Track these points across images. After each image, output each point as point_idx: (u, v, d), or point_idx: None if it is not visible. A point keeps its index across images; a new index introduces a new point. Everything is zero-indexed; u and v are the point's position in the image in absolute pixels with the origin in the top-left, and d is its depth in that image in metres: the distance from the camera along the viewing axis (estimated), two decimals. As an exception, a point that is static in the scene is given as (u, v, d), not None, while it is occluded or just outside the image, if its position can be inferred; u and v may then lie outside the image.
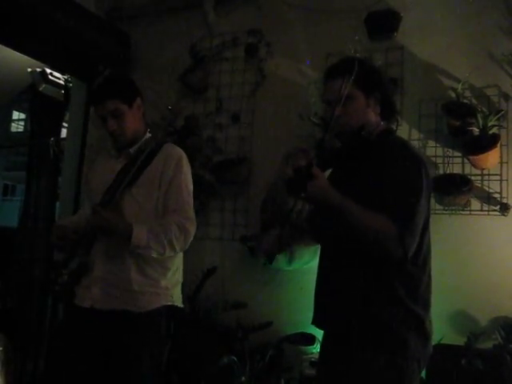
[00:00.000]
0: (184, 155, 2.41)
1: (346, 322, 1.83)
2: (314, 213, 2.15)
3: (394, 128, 2.14)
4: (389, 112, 2.01)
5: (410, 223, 1.73)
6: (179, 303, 2.42)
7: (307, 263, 3.30)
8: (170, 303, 2.33)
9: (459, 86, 3.20)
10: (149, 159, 2.28)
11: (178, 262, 2.42)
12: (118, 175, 2.28)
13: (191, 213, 2.34)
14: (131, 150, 2.35)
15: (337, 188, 1.77)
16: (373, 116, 1.95)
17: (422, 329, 1.82)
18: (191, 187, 2.40)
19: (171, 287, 2.35)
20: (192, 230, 2.29)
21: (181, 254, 2.43)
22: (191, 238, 2.30)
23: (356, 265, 1.83)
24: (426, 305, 1.85)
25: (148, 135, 2.43)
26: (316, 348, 3.25)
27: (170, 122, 4.08)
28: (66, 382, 2.28)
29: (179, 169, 2.34)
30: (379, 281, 1.80)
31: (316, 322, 1.99)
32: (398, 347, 1.77)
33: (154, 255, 2.22)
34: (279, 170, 1.72)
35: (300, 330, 3.36)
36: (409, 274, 1.81)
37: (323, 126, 1.89)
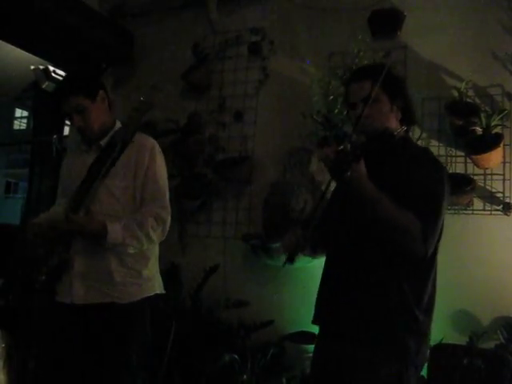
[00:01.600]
0: (156, 144, 2.42)
1: (352, 322, 1.84)
2: (327, 214, 2.15)
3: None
4: (409, 120, 2.04)
5: (434, 223, 1.76)
6: (161, 290, 2.44)
7: (310, 262, 3.30)
8: (152, 293, 2.36)
9: (462, 86, 3.20)
10: (121, 150, 2.28)
11: (156, 251, 2.45)
12: (91, 168, 2.28)
13: (167, 201, 2.36)
14: (102, 143, 2.35)
15: None
16: (394, 121, 1.98)
17: (423, 336, 1.84)
18: (165, 176, 2.42)
19: (152, 277, 2.38)
20: (168, 218, 2.33)
21: (157, 244, 2.44)
22: (168, 226, 2.33)
23: (367, 267, 1.84)
24: (430, 311, 1.86)
25: (118, 126, 2.42)
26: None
27: (171, 120, 4.09)
28: (54, 380, 2.29)
29: (153, 158, 2.35)
30: (389, 283, 1.81)
31: (319, 320, 2.00)
32: (400, 352, 1.78)
33: (131, 250, 2.25)
34: (319, 152, 1.76)
35: (301, 329, 3.35)
36: (418, 278, 1.83)
37: (347, 124, 1.92)
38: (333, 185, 1.99)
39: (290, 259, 1.94)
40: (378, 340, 1.79)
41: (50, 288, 2.33)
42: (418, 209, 1.73)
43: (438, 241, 1.83)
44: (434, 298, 1.89)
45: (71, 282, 2.28)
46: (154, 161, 2.35)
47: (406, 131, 2.04)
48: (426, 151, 2.01)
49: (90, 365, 2.24)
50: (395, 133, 1.92)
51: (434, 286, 1.89)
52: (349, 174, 1.68)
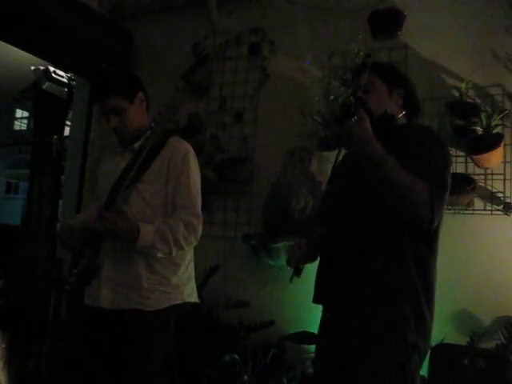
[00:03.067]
0: (191, 149, 2.37)
1: (354, 302, 1.85)
2: (329, 193, 2.17)
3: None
4: (412, 108, 2.08)
5: (441, 192, 1.75)
6: (193, 298, 2.38)
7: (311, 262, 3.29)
8: (180, 301, 2.29)
9: (463, 85, 3.19)
10: (153, 154, 2.25)
11: (189, 257, 2.39)
12: (123, 172, 2.24)
13: (199, 209, 2.30)
14: (135, 146, 2.32)
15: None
16: (394, 107, 2.01)
17: (424, 319, 1.83)
18: (199, 182, 2.37)
19: (182, 285, 2.32)
20: (200, 226, 2.27)
21: (192, 249, 2.40)
22: (199, 234, 2.28)
23: (370, 242, 1.84)
24: (432, 293, 1.87)
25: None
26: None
27: (171, 120, 4.08)
28: (75, 382, 2.28)
29: (187, 163, 2.30)
30: (393, 261, 1.82)
31: (320, 299, 2.00)
32: (403, 332, 1.78)
33: (160, 255, 2.19)
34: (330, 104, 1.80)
35: (302, 329, 3.35)
36: (423, 258, 1.84)
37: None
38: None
39: (297, 273, 1.94)
40: (381, 319, 1.80)
41: (79, 290, 2.30)
42: (427, 177, 1.73)
43: (440, 221, 1.82)
44: (434, 284, 1.89)
45: (99, 285, 2.25)
46: (187, 166, 2.30)
47: (409, 116, 2.06)
48: (430, 128, 2.04)
49: (110, 369, 2.21)
50: (397, 116, 1.96)
51: (434, 274, 1.89)
52: (355, 118, 1.66)
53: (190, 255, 2.40)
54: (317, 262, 2.08)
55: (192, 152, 2.37)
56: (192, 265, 2.42)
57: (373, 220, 1.84)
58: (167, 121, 2.20)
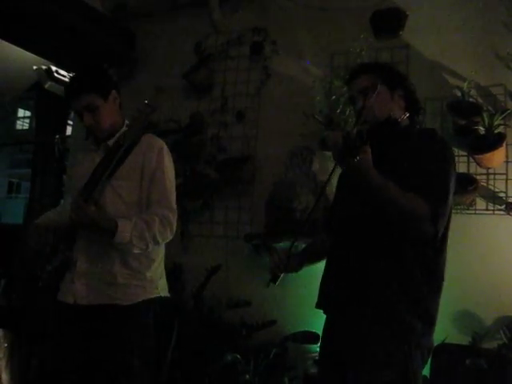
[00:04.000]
0: (165, 146, 2.38)
1: (357, 302, 1.85)
2: (335, 203, 2.20)
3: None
4: (413, 107, 2.07)
5: (443, 203, 1.78)
6: (165, 293, 2.40)
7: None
8: (155, 295, 2.32)
9: (465, 85, 3.19)
10: (127, 151, 2.24)
11: (162, 253, 2.41)
12: (97, 168, 2.23)
13: (174, 204, 2.32)
14: (109, 143, 2.32)
15: None
16: (397, 110, 2.01)
17: (429, 318, 1.85)
18: (173, 178, 2.38)
19: (156, 279, 2.34)
20: (175, 221, 2.28)
21: (163, 246, 2.41)
22: (175, 229, 2.29)
23: (374, 249, 1.85)
24: (437, 294, 1.88)
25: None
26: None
27: (173, 120, 4.10)
28: (55, 379, 2.28)
29: (161, 159, 2.32)
30: (399, 265, 1.83)
31: (324, 303, 2.01)
32: (405, 332, 1.80)
33: (136, 251, 2.20)
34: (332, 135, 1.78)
35: (304, 329, 3.36)
36: (429, 260, 1.85)
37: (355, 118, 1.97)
38: (334, 178, 2.01)
39: (274, 279, 2.08)
40: (383, 319, 1.81)
41: (53, 286, 2.31)
42: (426, 190, 1.75)
43: (448, 221, 1.85)
44: (441, 284, 1.90)
45: (74, 281, 2.26)
46: (161, 162, 2.32)
47: (411, 118, 2.05)
48: (433, 132, 2.03)
49: (90, 365, 2.22)
50: (399, 119, 1.95)
51: (442, 272, 1.90)
52: (357, 158, 1.69)
53: (162, 251, 2.42)
54: (321, 267, 2.09)
55: (166, 148, 2.38)
56: (163, 262, 2.44)
57: (377, 229, 1.85)
58: (146, 119, 2.19)
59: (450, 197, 1.82)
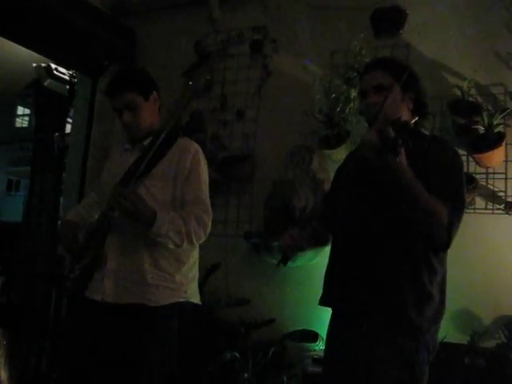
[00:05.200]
0: (200, 149, 2.36)
1: (364, 301, 1.85)
2: (331, 200, 2.18)
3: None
4: (421, 110, 2.04)
5: (459, 213, 1.80)
6: (196, 300, 2.36)
7: (310, 260, 3.30)
8: (183, 299, 2.28)
9: (465, 84, 3.19)
10: (163, 151, 2.24)
11: (194, 257, 2.38)
12: (131, 167, 2.21)
13: (209, 205, 2.32)
14: (145, 143, 2.30)
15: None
16: (406, 111, 1.99)
17: (436, 320, 1.87)
18: (207, 180, 2.38)
19: (186, 283, 2.30)
20: (209, 222, 2.28)
21: (197, 249, 2.39)
22: (209, 230, 2.28)
23: (387, 247, 1.85)
24: (443, 296, 1.90)
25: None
26: (319, 345, 3.25)
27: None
28: (75, 376, 2.26)
29: (197, 161, 2.31)
30: (405, 264, 1.83)
31: (329, 301, 2.01)
32: (414, 333, 1.81)
33: (171, 246, 2.17)
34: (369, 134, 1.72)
35: (303, 327, 3.36)
36: (435, 259, 1.86)
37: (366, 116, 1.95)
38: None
39: (284, 260, 1.99)
40: (391, 318, 1.81)
41: (82, 284, 2.28)
42: (446, 198, 1.76)
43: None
44: (445, 284, 1.91)
45: (103, 278, 2.24)
46: (197, 164, 2.31)
47: (417, 123, 2.03)
48: (443, 140, 2.04)
49: (111, 363, 2.19)
50: (410, 122, 1.90)
51: (445, 273, 1.91)
52: (398, 158, 1.66)
53: (195, 255, 2.39)
54: (322, 267, 2.09)
55: (201, 152, 2.37)
56: (197, 266, 2.41)
57: (388, 227, 1.84)
58: (183, 109, 2.18)
59: (465, 206, 1.85)
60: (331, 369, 1.99)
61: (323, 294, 2.04)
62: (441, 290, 1.88)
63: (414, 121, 1.95)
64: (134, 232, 2.20)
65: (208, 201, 2.33)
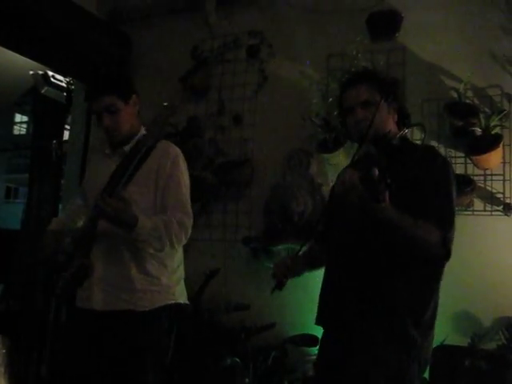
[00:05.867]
0: (180, 152, 2.38)
1: (358, 318, 1.85)
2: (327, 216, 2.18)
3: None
4: (403, 121, 2.05)
5: (451, 227, 1.80)
6: (183, 300, 2.39)
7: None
8: (172, 301, 2.31)
9: (461, 87, 3.20)
10: (143, 157, 2.23)
11: (178, 259, 2.40)
12: (114, 174, 2.22)
13: (189, 208, 2.32)
14: (125, 149, 2.31)
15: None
16: (392, 124, 2.00)
17: (430, 332, 1.87)
18: (188, 184, 2.38)
19: (172, 285, 2.33)
20: (190, 225, 2.28)
21: (181, 251, 2.40)
22: (189, 233, 2.29)
23: (385, 267, 1.85)
24: (435, 309, 1.89)
25: (142, 132, 2.36)
26: (319, 349, 3.25)
27: (170, 123, 4.09)
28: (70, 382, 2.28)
29: (176, 165, 2.32)
30: (398, 283, 1.83)
31: (323, 321, 2.01)
32: (408, 346, 1.80)
33: (151, 251, 2.21)
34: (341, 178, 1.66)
35: (303, 332, 3.35)
36: (431, 275, 1.87)
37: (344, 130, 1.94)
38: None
39: (279, 286, 2.02)
40: (391, 335, 1.81)
41: (70, 293, 2.30)
42: (436, 217, 1.76)
43: None
44: (438, 296, 1.91)
45: (91, 287, 2.26)
46: (177, 168, 2.32)
47: (403, 136, 2.01)
48: (429, 149, 2.03)
49: (103, 369, 2.22)
50: (397, 135, 1.92)
51: (439, 285, 1.91)
52: (383, 204, 1.61)
53: (179, 257, 2.41)
54: (322, 271, 2.09)
55: (181, 155, 2.38)
56: (182, 267, 2.44)
57: (384, 247, 1.83)
58: (165, 121, 2.19)
59: (454, 219, 1.83)
60: (323, 379, 1.99)
61: (318, 313, 2.03)
62: (435, 304, 1.89)
63: (403, 133, 1.95)
64: (119, 240, 2.22)
65: (189, 204, 2.33)
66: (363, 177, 1.58)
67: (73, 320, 2.39)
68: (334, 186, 2.22)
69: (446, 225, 1.78)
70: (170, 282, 2.32)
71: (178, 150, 2.38)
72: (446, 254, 1.78)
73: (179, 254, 2.41)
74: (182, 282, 2.42)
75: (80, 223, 2.45)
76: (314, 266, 2.23)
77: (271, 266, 3.33)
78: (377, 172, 1.54)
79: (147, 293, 2.25)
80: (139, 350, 2.21)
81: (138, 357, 2.21)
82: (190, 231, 2.28)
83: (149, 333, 2.24)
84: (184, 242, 2.29)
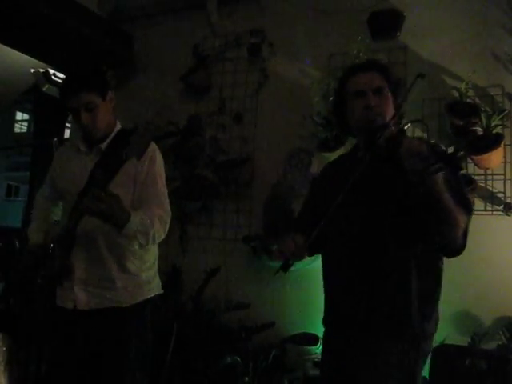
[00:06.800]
0: (157, 149, 2.38)
1: (369, 315, 1.83)
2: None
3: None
4: (399, 121, 2.02)
5: (470, 218, 1.80)
6: (159, 291, 2.46)
7: (309, 264, 3.29)
8: (152, 295, 2.38)
9: (462, 86, 3.19)
10: (121, 156, 2.14)
11: (155, 254, 2.45)
12: (94, 174, 2.22)
13: (167, 204, 2.34)
14: (102, 146, 2.31)
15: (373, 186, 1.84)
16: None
17: (435, 329, 1.88)
18: (164, 179, 2.39)
19: (152, 279, 2.40)
20: (169, 221, 2.30)
21: (156, 246, 2.43)
22: (167, 229, 2.30)
23: (398, 264, 1.83)
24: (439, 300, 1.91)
25: (118, 127, 2.38)
26: (319, 348, 3.24)
27: (171, 122, 4.10)
28: (56, 382, 2.30)
29: (153, 161, 2.32)
30: (419, 278, 1.82)
31: (336, 320, 1.99)
32: (419, 341, 1.81)
33: (136, 247, 2.23)
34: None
35: (303, 331, 3.35)
36: (439, 270, 1.89)
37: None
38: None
39: (285, 267, 1.81)
40: (403, 334, 1.80)
41: (50, 292, 2.33)
42: (462, 203, 1.75)
43: None
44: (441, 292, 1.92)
45: (72, 287, 2.27)
46: (153, 165, 2.32)
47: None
48: (439, 146, 2.04)
49: (90, 367, 2.24)
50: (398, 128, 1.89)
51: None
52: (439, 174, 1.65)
53: (156, 252, 2.46)
54: (319, 276, 2.09)
55: (158, 151, 2.38)
56: (157, 261, 2.48)
57: (399, 242, 1.82)
58: (150, 138, 2.13)
59: None
60: (331, 377, 1.96)
61: (328, 314, 2.01)
62: (439, 298, 1.90)
63: (407, 126, 1.88)
64: (99, 240, 2.25)
65: (167, 200, 2.35)
66: (433, 146, 1.67)
67: (55, 319, 2.40)
68: (327, 175, 2.23)
69: (471, 212, 1.78)
70: (149, 276, 2.39)
71: (154, 147, 2.36)
72: (463, 247, 1.79)
73: (156, 249, 2.45)
74: (157, 275, 2.48)
75: (54, 218, 2.48)
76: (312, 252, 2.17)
77: (272, 264, 3.34)
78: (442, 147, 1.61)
79: (128, 289, 2.30)
80: (123, 342, 2.26)
81: (123, 347, 2.25)
82: (167, 227, 2.30)
83: (132, 326, 2.29)
84: (163, 237, 2.30)
